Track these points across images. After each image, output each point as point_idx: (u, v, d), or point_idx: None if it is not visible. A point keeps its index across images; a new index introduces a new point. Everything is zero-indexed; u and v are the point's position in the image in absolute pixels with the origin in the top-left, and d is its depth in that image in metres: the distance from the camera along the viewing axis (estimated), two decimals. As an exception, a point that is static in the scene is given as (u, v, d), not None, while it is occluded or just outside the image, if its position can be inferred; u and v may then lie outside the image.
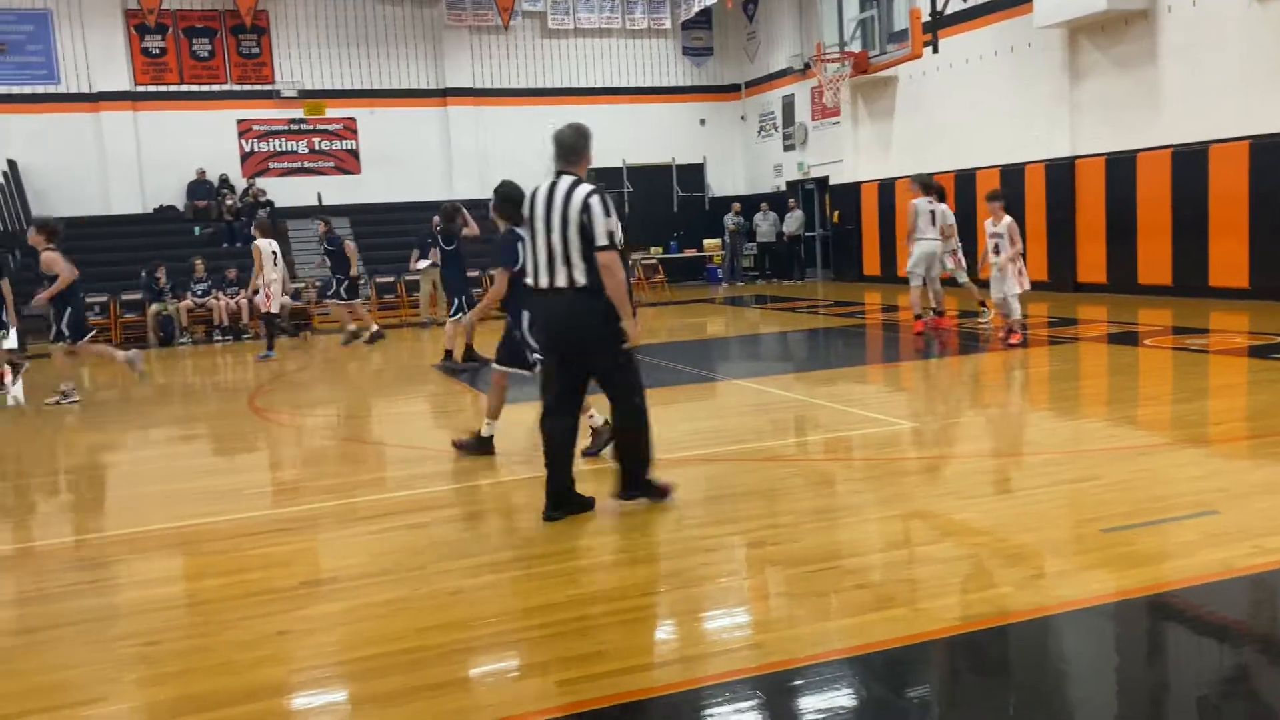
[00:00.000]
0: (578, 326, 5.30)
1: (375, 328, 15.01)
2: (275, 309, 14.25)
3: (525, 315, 6.66)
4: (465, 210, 13.00)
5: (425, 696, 3.41)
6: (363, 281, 15.99)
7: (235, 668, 3.75)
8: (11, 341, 13.74)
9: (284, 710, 3.46)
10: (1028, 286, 11.30)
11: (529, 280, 5.47)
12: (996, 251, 11.11)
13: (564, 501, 5.42)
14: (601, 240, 5.16)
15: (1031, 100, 17.77)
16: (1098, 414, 7.85)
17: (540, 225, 5.29)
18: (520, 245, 6.63)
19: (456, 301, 12.18)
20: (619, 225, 5.30)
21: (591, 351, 5.36)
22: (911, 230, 12.34)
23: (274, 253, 13.94)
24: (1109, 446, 6.53)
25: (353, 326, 15.03)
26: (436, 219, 13.96)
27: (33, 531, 5.92)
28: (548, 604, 4.20)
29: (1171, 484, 5.57)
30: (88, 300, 18.37)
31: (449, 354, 11.86)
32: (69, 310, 10.95)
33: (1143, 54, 15.73)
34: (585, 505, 5.51)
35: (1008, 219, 11.11)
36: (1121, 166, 16.15)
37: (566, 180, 5.29)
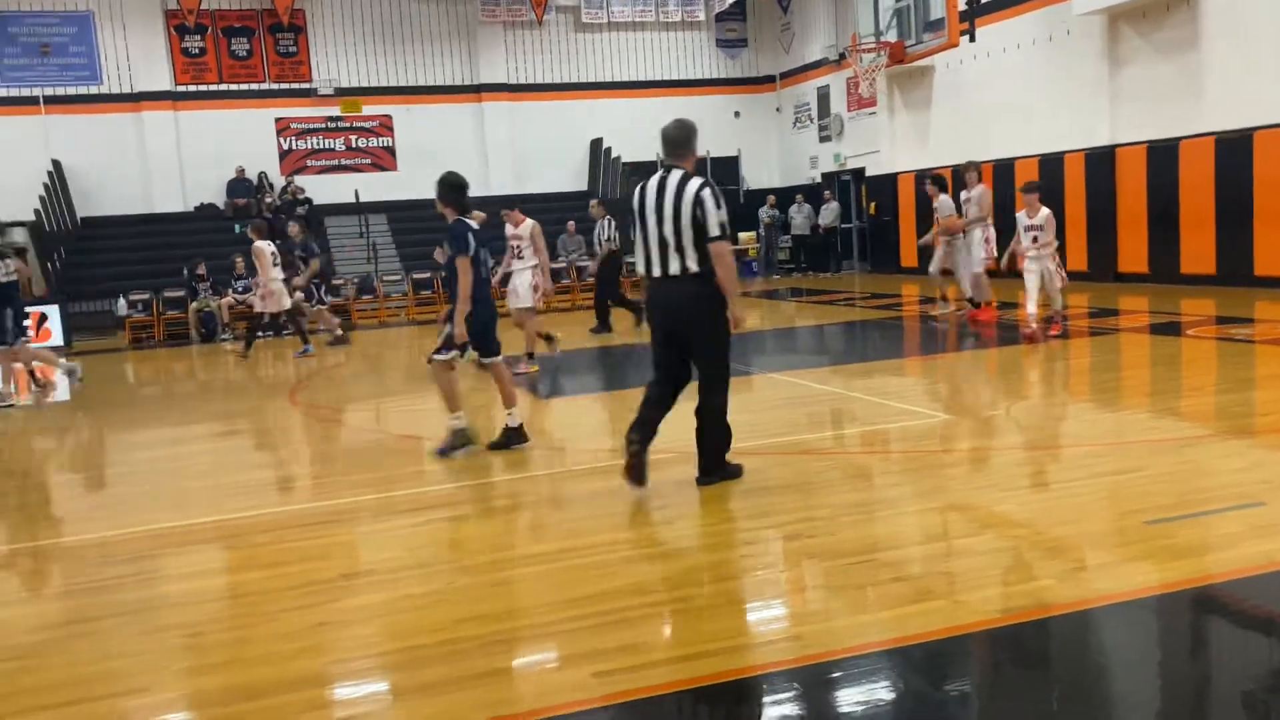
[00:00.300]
0: (686, 311, 5.57)
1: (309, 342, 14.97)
2: (276, 309, 14.46)
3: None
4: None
5: (464, 687, 3.44)
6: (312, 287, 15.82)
7: (277, 658, 3.80)
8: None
9: (325, 700, 3.50)
10: (1065, 280, 11.11)
11: (640, 270, 5.71)
12: (1035, 244, 10.86)
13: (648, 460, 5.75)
14: (714, 231, 5.43)
15: (1071, 88, 17.54)
16: (1140, 405, 7.75)
17: (651, 217, 5.52)
18: (470, 234, 6.79)
19: None
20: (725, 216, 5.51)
21: (694, 334, 5.62)
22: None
23: (273, 254, 14.17)
24: (1151, 438, 6.45)
25: (319, 328, 15.21)
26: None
27: (80, 525, 6.03)
28: (585, 596, 4.22)
29: (1215, 475, 5.49)
30: (133, 298, 18.78)
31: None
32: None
33: (1185, 40, 15.47)
34: (733, 472, 5.87)
35: (1046, 211, 10.83)
36: (1163, 154, 15.91)
37: (676, 174, 5.54)
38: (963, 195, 12.72)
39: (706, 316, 5.56)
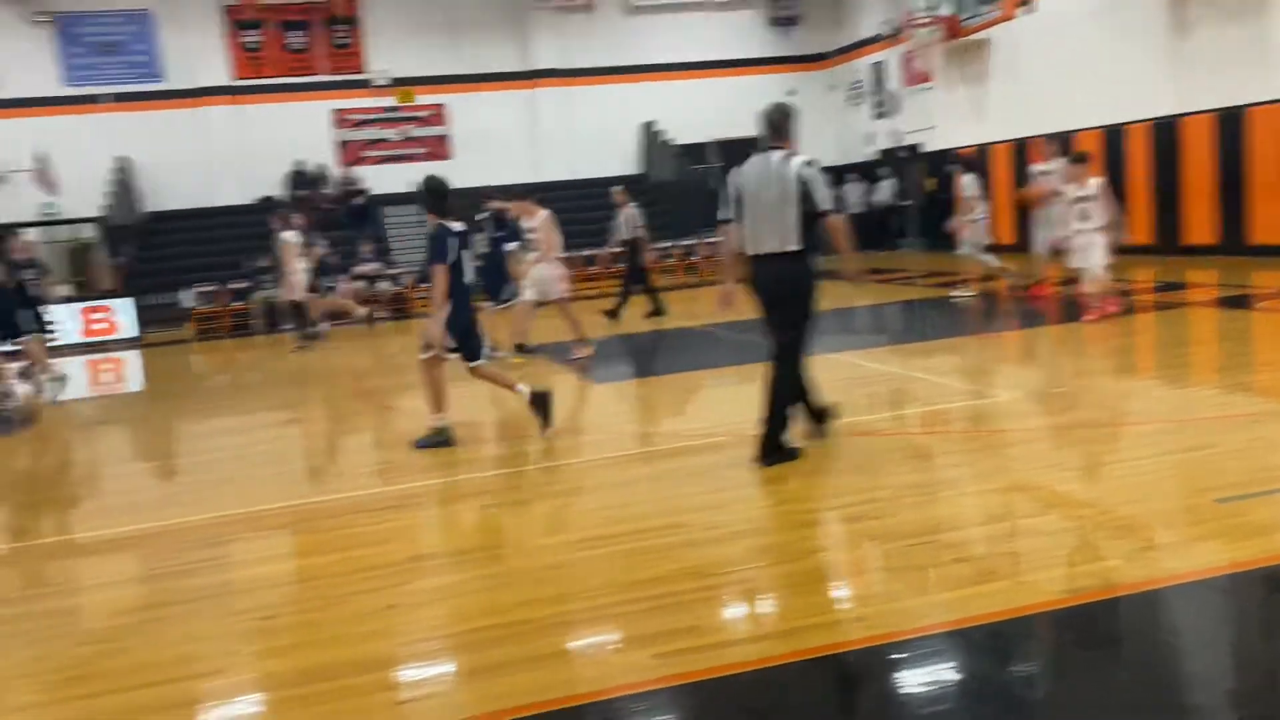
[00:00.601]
0: (782, 288, 5.76)
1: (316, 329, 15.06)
2: (288, 297, 14.66)
3: (446, 308, 6.86)
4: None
5: (528, 668, 3.49)
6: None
7: (347, 640, 3.89)
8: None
9: (395, 681, 3.58)
10: (1107, 258, 10.25)
11: (739, 247, 5.86)
12: (1084, 218, 10.18)
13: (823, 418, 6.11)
14: (827, 205, 5.64)
15: (1133, 58, 17.11)
16: (1209, 381, 7.59)
17: (752, 197, 5.70)
18: (450, 240, 6.82)
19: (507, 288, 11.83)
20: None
21: (786, 309, 5.80)
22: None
23: (299, 244, 14.34)
24: (1221, 414, 6.31)
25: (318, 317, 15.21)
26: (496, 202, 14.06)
27: (156, 512, 6.20)
28: (646, 578, 4.25)
29: (1289, 452, 5.36)
30: (199, 290, 19.19)
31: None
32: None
33: (1253, 4, 15.00)
34: (789, 455, 5.84)
35: (1097, 180, 10.18)
36: (1230, 123, 15.47)
37: (777, 154, 5.69)
38: (1038, 168, 12.48)
39: (799, 294, 5.76)
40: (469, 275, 7.01)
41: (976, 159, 16.74)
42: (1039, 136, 12.87)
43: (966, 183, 13.50)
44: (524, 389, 7.15)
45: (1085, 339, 10.02)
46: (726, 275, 6.20)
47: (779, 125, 5.82)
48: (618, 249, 14.33)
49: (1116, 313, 10.42)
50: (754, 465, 5.77)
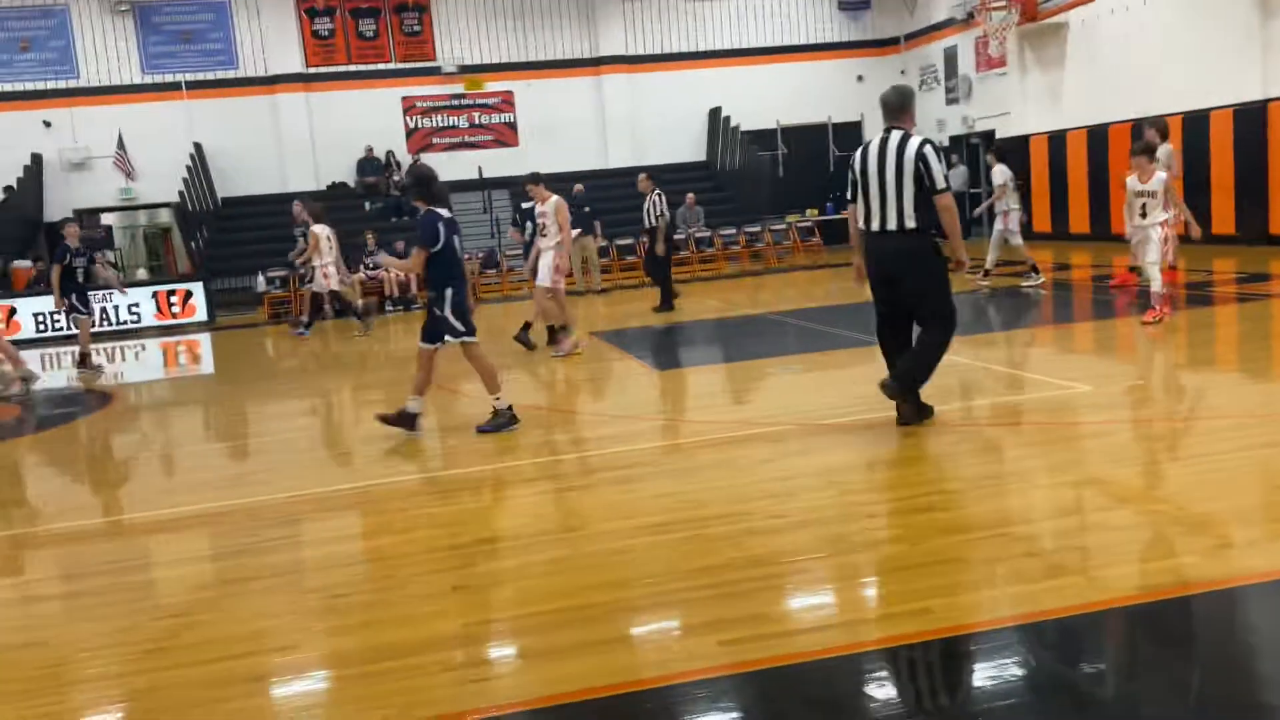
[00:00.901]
0: (902, 263, 6.05)
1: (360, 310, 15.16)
2: (333, 287, 14.86)
3: (449, 293, 6.97)
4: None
5: (594, 652, 3.52)
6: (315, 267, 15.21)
7: (415, 620, 3.95)
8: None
9: (460, 661, 3.63)
10: (1172, 257, 9.82)
11: (861, 224, 6.18)
12: (1144, 214, 9.61)
13: (907, 391, 6.25)
14: (940, 184, 5.93)
15: (1218, 40, 16.58)
16: (1292, 375, 7.35)
17: (874, 175, 6.00)
18: (440, 225, 6.90)
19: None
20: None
21: (912, 284, 6.09)
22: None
23: (328, 237, 14.49)
24: (1305, 410, 6.11)
25: (360, 302, 15.29)
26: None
27: (229, 491, 6.36)
28: (709, 565, 4.25)
29: (1377, 450, 5.18)
30: (270, 274, 19.57)
31: (527, 325, 11.52)
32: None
33: (1346, -16, 14.45)
34: (926, 411, 6.28)
35: (1161, 174, 9.59)
36: (1320, 108, 14.94)
37: (896, 134, 6.01)
38: (1131, 183, 11.99)
39: (922, 267, 6.03)
40: (458, 257, 7.17)
41: (1007, 148, 16.72)
42: (1152, 119, 12.25)
43: (998, 172, 13.50)
44: (419, 403, 7.19)
45: (1163, 331, 9.77)
46: (855, 252, 6.40)
47: (898, 107, 6.12)
48: (659, 236, 14.01)
49: (1170, 314, 9.67)
50: (881, 386, 6.19)
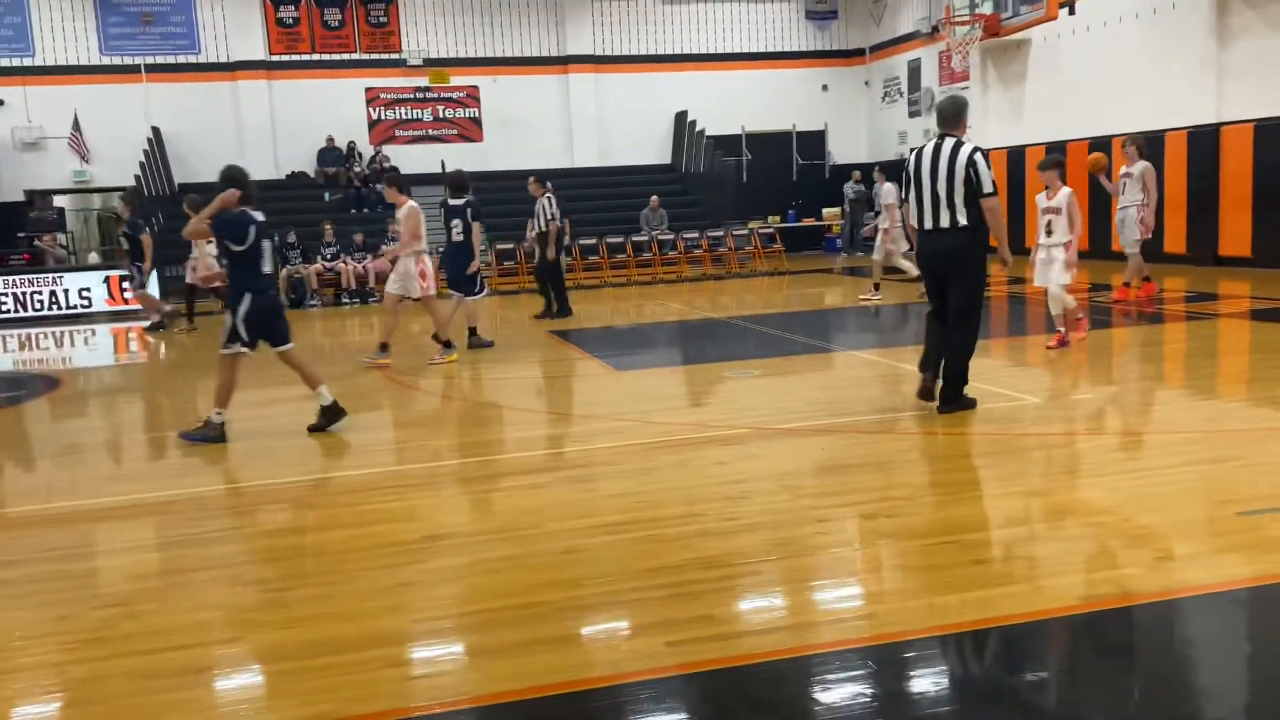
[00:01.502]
0: (952, 259, 6.63)
1: (160, 315, 15.00)
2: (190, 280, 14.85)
3: (246, 300, 6.97)
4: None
5: (539, 651, 3.50)
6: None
7: (360, 615, 3.91)
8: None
9: (404, 658, 3.60)
10: (1067, 279, 9.05)
11: (913, 222, 6.77)
12: (1048, 232, 9.04)
13: (938, 387, 6.79)
14: (988, 188, 6.48)
15: (1174, 64, 16.90)
16: (1237, 393, 7.50)
17: (926, 177, 6.59)
18: (252, 226, 6.94)
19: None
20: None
21: (954, 277, 6.65)
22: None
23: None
24: (1249, 427, 6.24)
25: (155, 318, 15.03)
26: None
27: (174, 481, 6.26)
28: (661, 566, 4.25)
29: (1316, 468, 5.29)
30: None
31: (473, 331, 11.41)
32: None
33: (1299, 13, 14.79)
34: (968, 404, 6.79)
35: (1066, 190, 8.92)
36: (1272, 133, 15.26)
37: (950, 141, 6.58)
38: (1122, 170, 12.29)
39: (968, 263, 6.63)
40: (267, 265, 7.10)
41: (896, 170, 17.27)
42: (1132, 136, 12.44)
43: (886, 190, 14.21)
44: (326, 394, 7.23)
45: (1114, 346, 9.92)
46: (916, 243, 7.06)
47: (952, 115, 6.68)
48: (548, 239, 13.62)
49: (1083, 338, 9.37)
50: (936, 411, 6.71)
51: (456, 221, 11.30)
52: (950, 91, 23.49)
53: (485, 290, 11.22)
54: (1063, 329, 9.22)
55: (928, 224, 6.64)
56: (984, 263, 6.71)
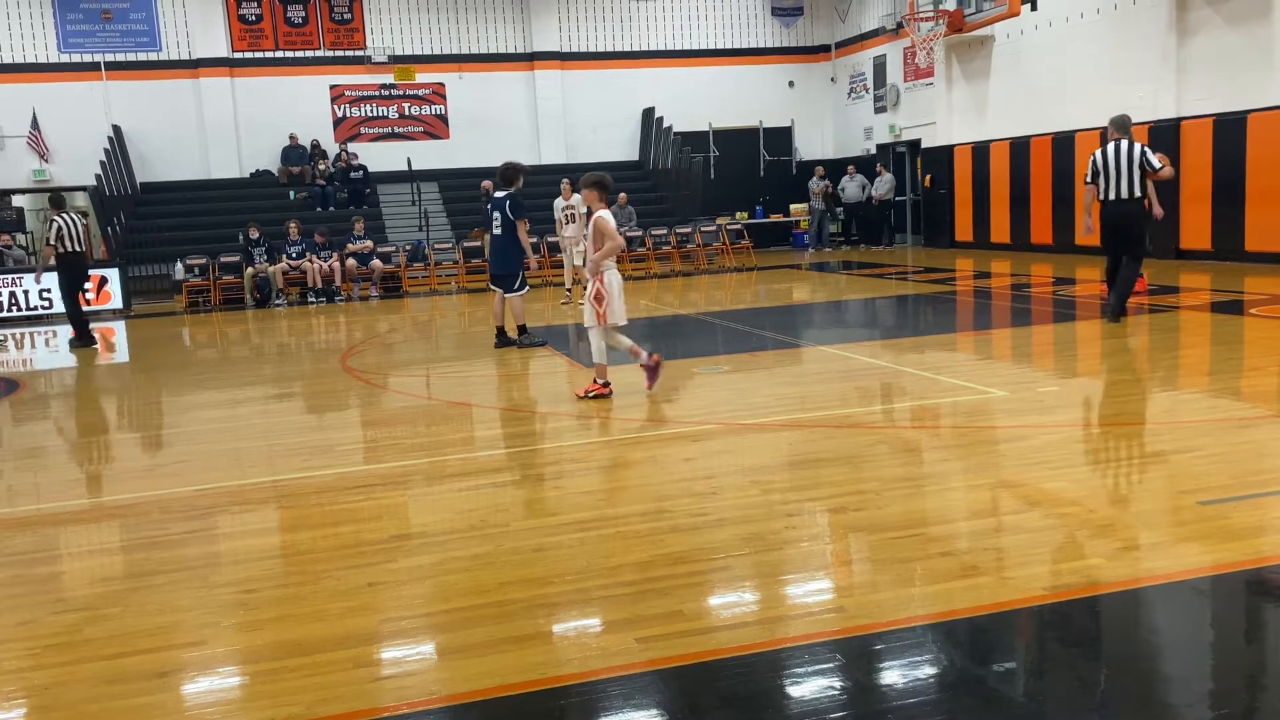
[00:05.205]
0: (1129, 220, 10.09)
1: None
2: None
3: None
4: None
5: (509, 649, 3.49)
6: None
7: (327, 616, 3.88)
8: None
9: (373, 658, 3.57)
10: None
11: (1100, 196, 10.13)
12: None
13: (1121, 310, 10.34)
14: (1156, 167, 10.00)
15: (1135, 60, 17.12)
16: (1198, 385, 7.61)
17: (1112, 165, 9.99)
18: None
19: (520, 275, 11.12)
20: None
21: (1131, 233, 10.15)
22: None
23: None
24: (1209, 418, 6.33)
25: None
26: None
27: (140, 483, 6.18)
28: (629, 563, 4.25)
29: (1274, 457, 5.38)
30: (190, 263, 19.10)
31: (523, 329, 11.07)
32: None
33: (1257, 10, 15.02)
34: (1124, 313, 10.41)
35: (605, 213, 7.69)
36: (1230, 128, 15.49)
37: (1125, 141, 9.98)
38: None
39: (1136, 223, 10.14)
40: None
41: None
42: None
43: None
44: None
45: (1077, 339, 10.03)
46: (1091, 217, 10.19)
47: (1125, 125, 10.13)
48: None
49: (608, 394, 7.90)
50: (1108, 321, 10.10)
51: (497, 215, 10.92)
52: (915, 87, 23.72)
53: (526, 288, 11.05)
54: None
55: (1113, 195, 9.94)
56: (1146, 220, 10.19)
